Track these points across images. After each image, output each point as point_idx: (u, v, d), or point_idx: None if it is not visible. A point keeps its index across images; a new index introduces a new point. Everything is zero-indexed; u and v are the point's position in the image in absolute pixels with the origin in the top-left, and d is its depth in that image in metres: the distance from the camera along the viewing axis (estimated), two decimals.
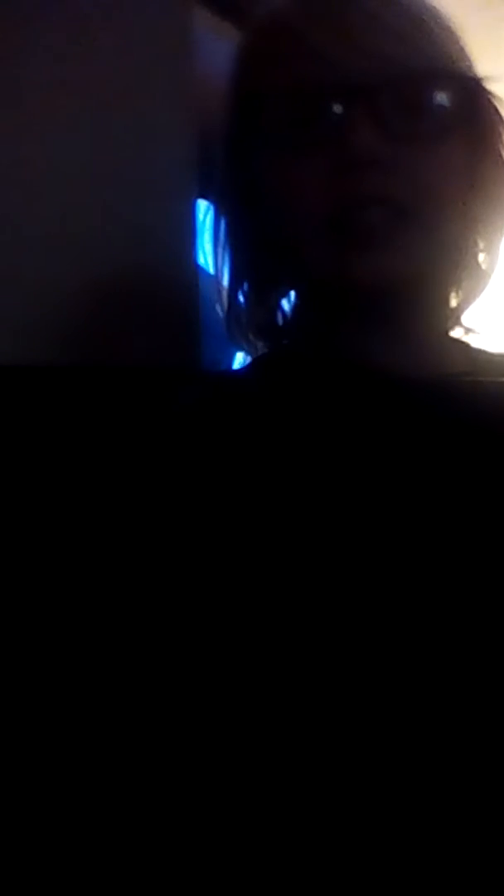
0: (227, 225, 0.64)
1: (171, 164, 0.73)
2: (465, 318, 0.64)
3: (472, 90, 0.58)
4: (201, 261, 0.74)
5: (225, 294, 0.65)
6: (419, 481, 0.48)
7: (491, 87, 0.59)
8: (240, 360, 0.70)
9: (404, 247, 0.55)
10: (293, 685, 0.45)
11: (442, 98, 0.56)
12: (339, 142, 0.54)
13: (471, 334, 0.64)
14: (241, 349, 0.67)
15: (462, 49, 0.59)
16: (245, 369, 0.65)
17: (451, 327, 0.64)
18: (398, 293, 0.57)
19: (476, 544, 0.47)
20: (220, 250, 0.65)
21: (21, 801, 0.47)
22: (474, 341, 0.65)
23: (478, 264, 0.63)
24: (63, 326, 0.64)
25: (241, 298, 0.64)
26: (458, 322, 0.64)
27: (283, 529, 0.47)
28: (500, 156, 0.60)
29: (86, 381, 0.59)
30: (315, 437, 0.50)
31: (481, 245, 0.62)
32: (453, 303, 0.63)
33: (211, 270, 0.67)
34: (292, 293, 0.65)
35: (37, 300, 0.63)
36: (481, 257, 0.62)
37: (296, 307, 0.65)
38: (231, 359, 0.71)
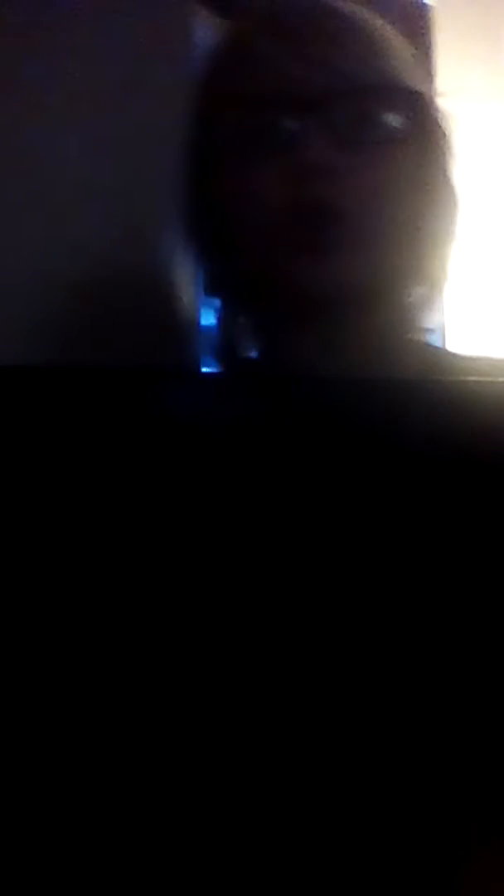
0: (190, 234, 0.66)
1: (170, 162, 0.73)
2: (424, 319, 0.65)
3: (419, 105, 0.61)
4: None
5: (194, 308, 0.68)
6: (368, 486, 0.48)
7: (439, 103, 0.62)
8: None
9: (354, 254, 0.57)
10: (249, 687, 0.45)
11: (391, 112, 0.59)
12: (292, 150, 0.56)
13: (429, 335, 0.66)
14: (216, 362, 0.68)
15: (413, 68, 0.62)
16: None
17: (408, 330, 0.65)
18: (350, 300, 0.58)
19: (426, 551, 0.47)
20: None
21: (18, 800, 0.47)
22: (434, 342, 0.66)
23: (429, 270, 0.64)
24: (59, 326, 0.64)
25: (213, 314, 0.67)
26: (414, 325, 0.65)
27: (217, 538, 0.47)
28: (445, 167, 0.63)
29: (82, 381, 0.59)
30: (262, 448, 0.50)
31: (431, 252, 0.63)
32: (408, 307, 0.64)
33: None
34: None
35: (32, 300, 0.63)
36: (432, 264, 0.64)
37: (256, 317, 0.66)
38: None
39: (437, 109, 0.62)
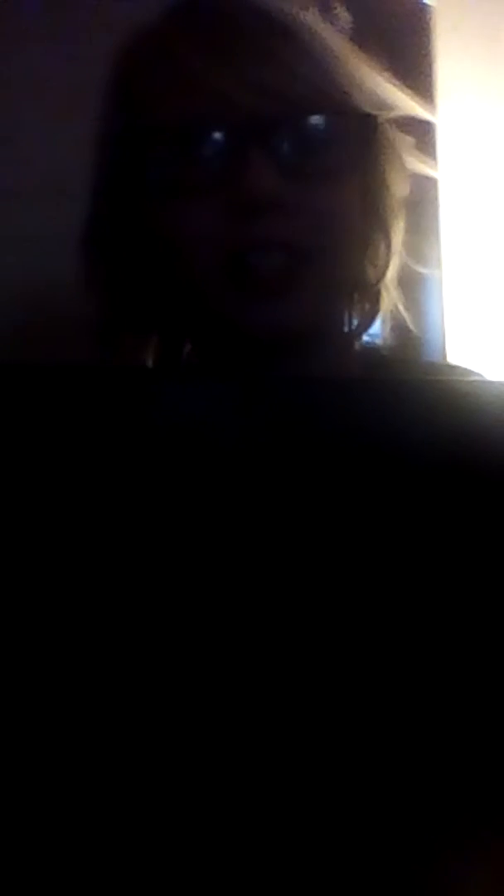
0: (111, 269, 0.58)
1: None
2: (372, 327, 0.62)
3: (365, 126, 0.55)
4: None
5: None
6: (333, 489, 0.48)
7: (386, 117, 0.57)
8: None
9: (303, 293, 0.52)
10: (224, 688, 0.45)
11: (336, 134, 0.53)
12: (232, 183, 0.50)
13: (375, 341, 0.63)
14: None
15: (359, 79, 0.56)
16: None
17: (353, 344, 0.61)
18: (296, 341, 0.53)
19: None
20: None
21: (18, 800, 0.47)
22: (384, 347, 0.63)
23: (373, 287, 0.60)
24: (56, 325, 0.64)
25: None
26: (359, 337, 0.62)
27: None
28: (395, 190, 0.58)
29: (81, 381, 0.59)
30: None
31: (372, 270, 0.59)
32: (350, 333, 0.61)
33: None
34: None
35: (27, 298, 0.63)
36: (374, 279, 0.60)
37: (192, 352, 0.60)
38: None
39: (387, 130, 0.56)
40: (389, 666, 0.45)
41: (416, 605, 0.46)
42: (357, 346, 0.62)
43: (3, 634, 0.49)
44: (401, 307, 0.63)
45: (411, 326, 0.64)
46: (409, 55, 0.84)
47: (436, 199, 0.98)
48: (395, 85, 0.58)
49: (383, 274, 0.59)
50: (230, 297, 0.52)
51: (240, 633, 0.45)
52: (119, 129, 0.55)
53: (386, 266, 0.59)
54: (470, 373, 0.64)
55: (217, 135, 0.51)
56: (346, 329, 0.60)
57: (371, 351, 0.63)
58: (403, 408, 0.50)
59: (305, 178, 0.52)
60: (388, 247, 0.59)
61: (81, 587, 0.47)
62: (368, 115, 0.54)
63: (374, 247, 0.58)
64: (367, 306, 0.60)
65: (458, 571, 0.47)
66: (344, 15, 0.61)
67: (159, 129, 0.52)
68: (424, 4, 0.99)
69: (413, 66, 0.81)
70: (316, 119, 0.52)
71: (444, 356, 0.96)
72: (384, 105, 0.56)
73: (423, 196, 0.76)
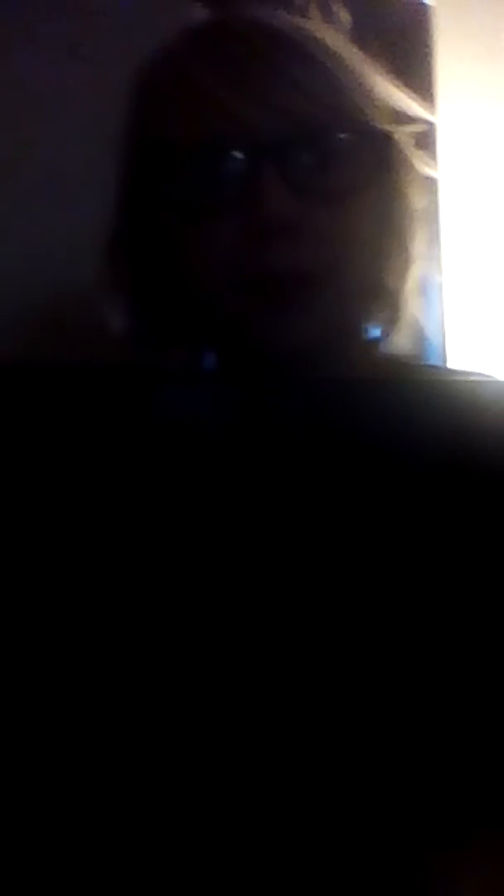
0: (135, 280, 0.59)
1: None
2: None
3: (381, 142, 0.55)
4: None
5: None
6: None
7: (401, 136, 0.57)
8: None
9: (319, 307, 0.52)
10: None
11: (352, 152, 0.53)
12: (248, 205, 0.51)
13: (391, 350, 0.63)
14: None
15: (374, 93, 0.55)
16: None
17: (373, 352, 0.62)
18: (315, 349, 0.54)
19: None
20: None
21: (18, 799, 0.47)
22: (401, 356, 0.63)
23: (393, 296, 0.60)
24: (58, 325, 0.64)
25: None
26: (380, 346, 0.62)
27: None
28: (410, 205, 0.58)
29: (81, 381, 0.59)
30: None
31: (391, 280, 0.59)
32: (368, 343, 0.61)
33: None
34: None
35: (31, 298, 0.63)
36: (394, 288, 0.60)
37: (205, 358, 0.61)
38: None
39: (402, 143, 0.56)
40: (392, 663, 0.45)
41: (418, 604, 0.46)
42: (377, 354, 0.62)
43: (2, 632, 0.49)
44: (418, 315, 0.63)
45: (426, 333, 0.64)
46: (409, 55, 0.84)
47: (435, 199, 0.98)
48: (395, 85, 0.58)
49: (403, 283, 0.59)
50: (249, 313, 0.52)
51: (241, 631, 0.45)
52: (139, 147, 0.56)
53: (405, 275, 0.59)
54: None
55: (232, 155, 0.51)
56: (365, 338, 0.60)
57: (391, 360, 0.63)
58: (403, 408, 0.50)
59: (321, 198, 0.52)
60: (407, 257, 0.59)
61: (82, 585, 0.47)
62: (384, 132, 0.54)
63: (393, 257, 0.58)
64: (388, 314, 0.60)
65: (460, 572, 0.47)
66: (344, 15, 0.61)
67: (176, 150, 0.52)
68: (424, 4, 0.99)
69: (413, 66, 0.81)
70: (332, 138, 0.52)
71: (445, 361, 0.96)
72: (399, 118, 0.56)
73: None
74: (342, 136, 0.52)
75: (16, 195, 0.64)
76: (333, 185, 0.52)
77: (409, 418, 0.49)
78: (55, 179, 0.66)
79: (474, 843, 0.45)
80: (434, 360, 0.90)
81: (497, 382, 0.56)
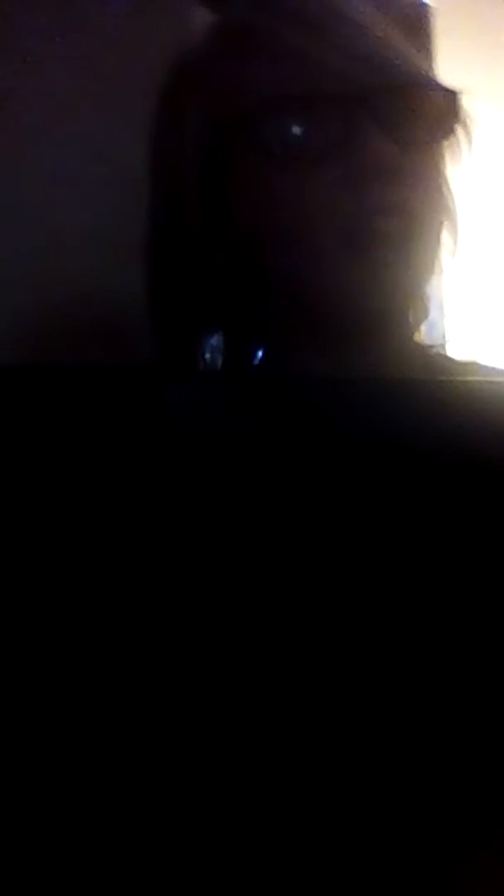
0: (187, 251, 0.58)
1: None
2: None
3: (455, 99, 0.57)
4: None
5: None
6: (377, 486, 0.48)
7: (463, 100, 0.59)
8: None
9: (412, 263, 0.54)
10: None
11: (432, 105, 0.55)
12: (349, 151, 0.52)
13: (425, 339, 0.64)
14: None
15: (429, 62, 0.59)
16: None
17: (411, 336, 0.63)
18: (391, 309, 0.56)
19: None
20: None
21: (18, 799, 0.47)
22: (432, 346, 0.65)
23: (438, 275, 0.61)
24: (61, 325, 0.64)
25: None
26: (417, 326, 0.63)
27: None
28: (463, 172, 0.60)
29: (81, 381, 0.59)
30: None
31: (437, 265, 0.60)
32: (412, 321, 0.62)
33: None
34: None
35: (34, 300, 0.63)
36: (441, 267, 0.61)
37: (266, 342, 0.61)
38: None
39: (464, 110, 0.58)
40: (397, 663, 0.45)
41: (422, 602, 0.46)
42: (414, 341, 0.63)
43: (4, 633, 0.49)
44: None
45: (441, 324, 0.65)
46: None
47: None
48: None
49: (451, 259, 0.61)
50: (348, 264, 0.53)
51: (245, 629, 0.45)
52: (204, 119, 0.57)
53: (454, 252, 0.61)
54: None
55: (330, 103, 0.52)
56: (410, 319, 0.62)
57: (424, 347, 0.64)
58: (405, 407, 0.50)
59: (411, 147, 0.54)
60: (455, 231, 0.61)
61: (84, 587, 0.47)
62: (451, 90, 0.57)
63: (452, 220, 0.60)
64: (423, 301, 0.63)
65: (462, 573, 0.47)
66: None
67: (268, 99, 0.53)
68: (424, 4, 0.99)
69: None
70: (413, 89, 0.54)
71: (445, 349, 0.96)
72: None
73: None
74: (424, 89, 0.55)
75: (21, 194, 0.64)
76: (419, 135, 0.54)
77: (416, 416, 0.49)
78: (56, 180, 0.66)
79: (475, 843, 0.45)
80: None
81: (497, 383, 0.56)
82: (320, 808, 0.44)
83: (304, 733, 0.45)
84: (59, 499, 0.51)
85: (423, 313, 0.63)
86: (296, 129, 0.53)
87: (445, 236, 0.60)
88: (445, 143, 0.57)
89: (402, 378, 0.58)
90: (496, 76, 1.10)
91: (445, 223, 0.59)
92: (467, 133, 0.59)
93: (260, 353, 0.61)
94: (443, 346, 0.66)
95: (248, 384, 0.60)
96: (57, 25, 0.67)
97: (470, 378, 0.61)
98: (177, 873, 0.44)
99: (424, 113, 0.55)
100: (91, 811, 0.45)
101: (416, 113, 0.54)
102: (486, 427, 0.49)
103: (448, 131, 0.57)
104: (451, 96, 0.56)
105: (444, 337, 0.89)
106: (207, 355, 0.61)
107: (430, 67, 0.59)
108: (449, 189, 0.60)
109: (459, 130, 0.58)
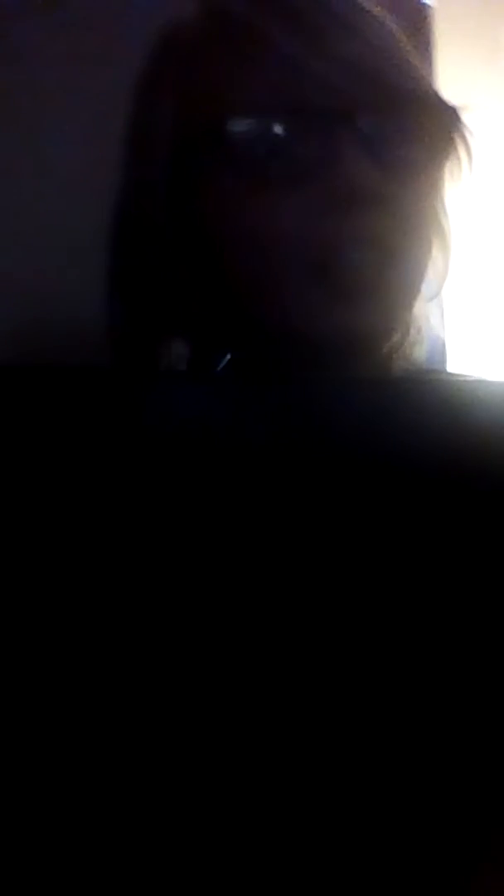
0: (144, 269, 0.54)
1: None
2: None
3: (455, 116, 0.52)
4: None
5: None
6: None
7: (462, 114, 0.54)
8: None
9: (386, 296, 0.50)
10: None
11: (430, 123, 0.50)
12: (324, 173, 0.48)
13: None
14: None
15: (428, 73, 0.53)
16: None
17: (393, 356, 0.58)
18: (368, 343, 0.51)
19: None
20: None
21: (18, 800, 0.47)
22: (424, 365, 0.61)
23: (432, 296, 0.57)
24: (59, 327, 0.64)
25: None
26: (406, 351, 0.59)
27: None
28: (456, 192, 0.55)
29: (81, 381, 0.59)
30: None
31: (433, 276, 0.56)
32: (400, 347, 0.58)
33: None
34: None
35: (33, 300, 0.63)
36: (436, 287, 0.57)
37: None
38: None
39: (465, 127, 0.53)
40: (395, 667, 0.45)
41: (422, 602, 0.46)
42: (396, 360, 0.59)
43: (3, 634, 0.49)
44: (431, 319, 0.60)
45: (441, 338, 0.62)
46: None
47: None
48: None
49: (443, 281, 0.57)
50: (313, 296, 0.49)
51: (243, 630, 0.45)
52: (178, 118, 0.52)
53: (445, 273, 0.57)
54: None
55: (307, 120, 0.47)
56: (390, 345, 0.57)
57: (412, 372, 0.61)
58: (403, 407, 0.50)
59: (394, 169, 0.49)
60: (447, 251, 0.56)
61: (81, 588, 0.47)
62: (450, 107, 0.52)
63: (440, 249, 0.56)
64: (408, 322, 0.58)
65: (462, 575, 0.47)
66: None
67: (241, 109, 0.48)
68: (424, 4, 0.98)
69: None
70: (404, 102, 0.49)
71: (445, 366, 0.96)
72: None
73: None
74: (419, 103, 0.50)
75: (14, 194, 0.64)
76: (405, 157, 0.49)
77: (410, 418, 0.48)
78: (54, 179, 0.66)
79: (474, 843, 0.45)
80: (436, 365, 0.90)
81: (497, 383, 0.56)
82: (320, 808, 0.44)
83: (305, 733, 0.45)
84: (55, 499, 0.50)
85: (414, 337, 0.58)
86: (270, 143, 0.48)
87: (438, 259, 0.55)
88: (444, 163, 0.52)
89: (403, 378, 0.57)
90: (496, 76, 1.10)
91: (436, 246, 0.54)
92: (468, 151, 0.54)
93: (223, 362, 0.57)
94: (439, 371, 0.63)
95: (247, 384, 0.59)
96: (50, 21, 0.66)
97: (470, 378, 0.61)
98: (177, 873, 0.44)
99: (420, 132, 0.50)
100: (91, 810, 0.45)
101: (411, 132, 0.49)
102: (487, 427, 0.49)
103: (446, 152, 0.52)
104: (450, 113, 0.52)
105: (444, 355, 0.88)
106: (166, 362, 0.58)
107: (430, 73, 0.54)
108: (444, 212, 0.55)
109: (460, 149, 0.53)
